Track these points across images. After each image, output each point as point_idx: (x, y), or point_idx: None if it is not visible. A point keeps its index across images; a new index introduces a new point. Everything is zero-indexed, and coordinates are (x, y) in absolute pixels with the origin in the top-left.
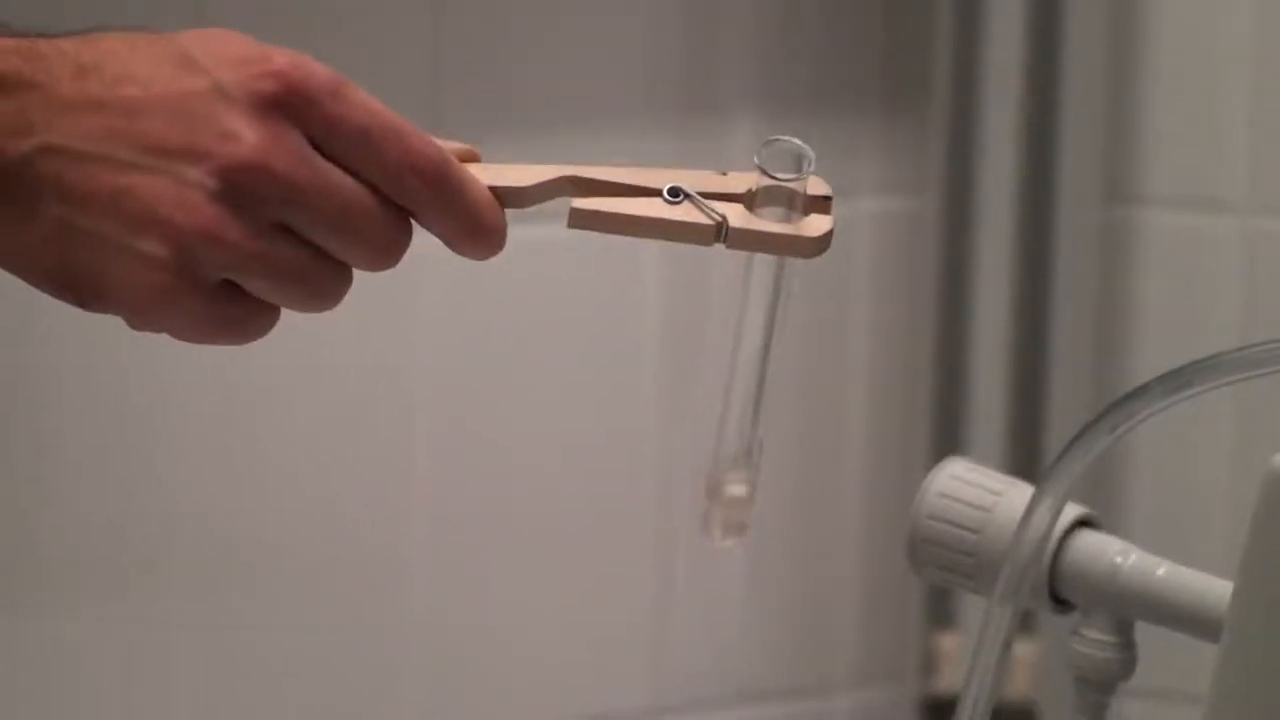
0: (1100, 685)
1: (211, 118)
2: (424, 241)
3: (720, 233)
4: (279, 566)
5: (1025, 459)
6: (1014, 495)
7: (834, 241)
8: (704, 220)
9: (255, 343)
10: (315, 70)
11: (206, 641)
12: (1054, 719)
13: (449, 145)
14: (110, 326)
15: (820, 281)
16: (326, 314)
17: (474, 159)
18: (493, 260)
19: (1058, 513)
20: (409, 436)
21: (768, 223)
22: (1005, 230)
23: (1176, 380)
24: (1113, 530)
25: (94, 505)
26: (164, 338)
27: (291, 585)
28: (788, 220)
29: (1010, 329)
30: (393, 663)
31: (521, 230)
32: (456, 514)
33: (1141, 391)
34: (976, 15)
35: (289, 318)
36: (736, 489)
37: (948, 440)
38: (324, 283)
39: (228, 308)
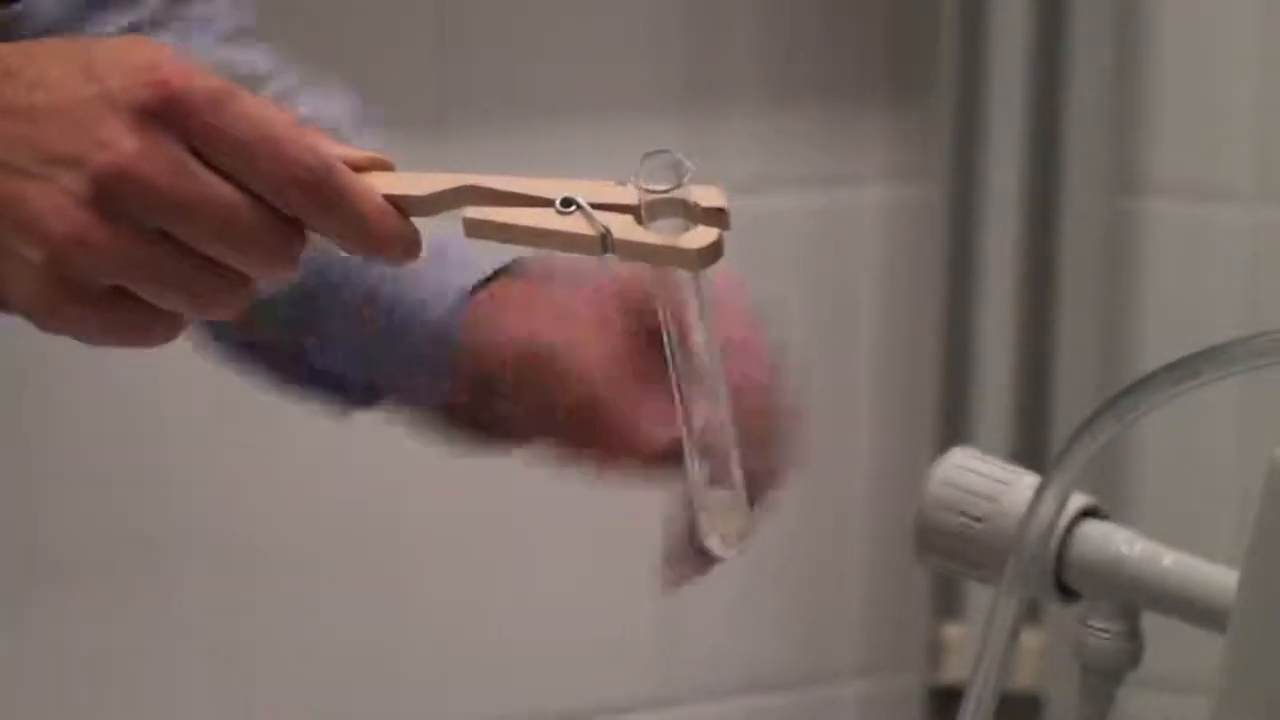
0: (1106, 675)
1: (94, 125)
2: (435, 228)
3: (606, 243)
4: (286, 561)
5: (1031, 448)
6: (1020, 485)
7: (839, 229)
8: (589, 232)
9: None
10: (199, 80)
11: (212, 634)
12: (1060, 708)
13: (352, 154)
14: None
15: (826, 269)
16: None
17: (383, 167)
18: (508, 251)
19: (1064, 502)
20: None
21: (650, 234)
22: (1011, 218)
23: (1183, 370)
24: (1119, 520)
25: (102, 500)
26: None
27: (299, 579)
28: (680, 231)
29: (1016, 317)
30: (401, 656)
31: None
32: (463, 504)
33: (1147, 381)
34: (983, 3)
35: None
36: (722, 501)
37: (954, 429)
38: (215, 290)
39: (120, 314)
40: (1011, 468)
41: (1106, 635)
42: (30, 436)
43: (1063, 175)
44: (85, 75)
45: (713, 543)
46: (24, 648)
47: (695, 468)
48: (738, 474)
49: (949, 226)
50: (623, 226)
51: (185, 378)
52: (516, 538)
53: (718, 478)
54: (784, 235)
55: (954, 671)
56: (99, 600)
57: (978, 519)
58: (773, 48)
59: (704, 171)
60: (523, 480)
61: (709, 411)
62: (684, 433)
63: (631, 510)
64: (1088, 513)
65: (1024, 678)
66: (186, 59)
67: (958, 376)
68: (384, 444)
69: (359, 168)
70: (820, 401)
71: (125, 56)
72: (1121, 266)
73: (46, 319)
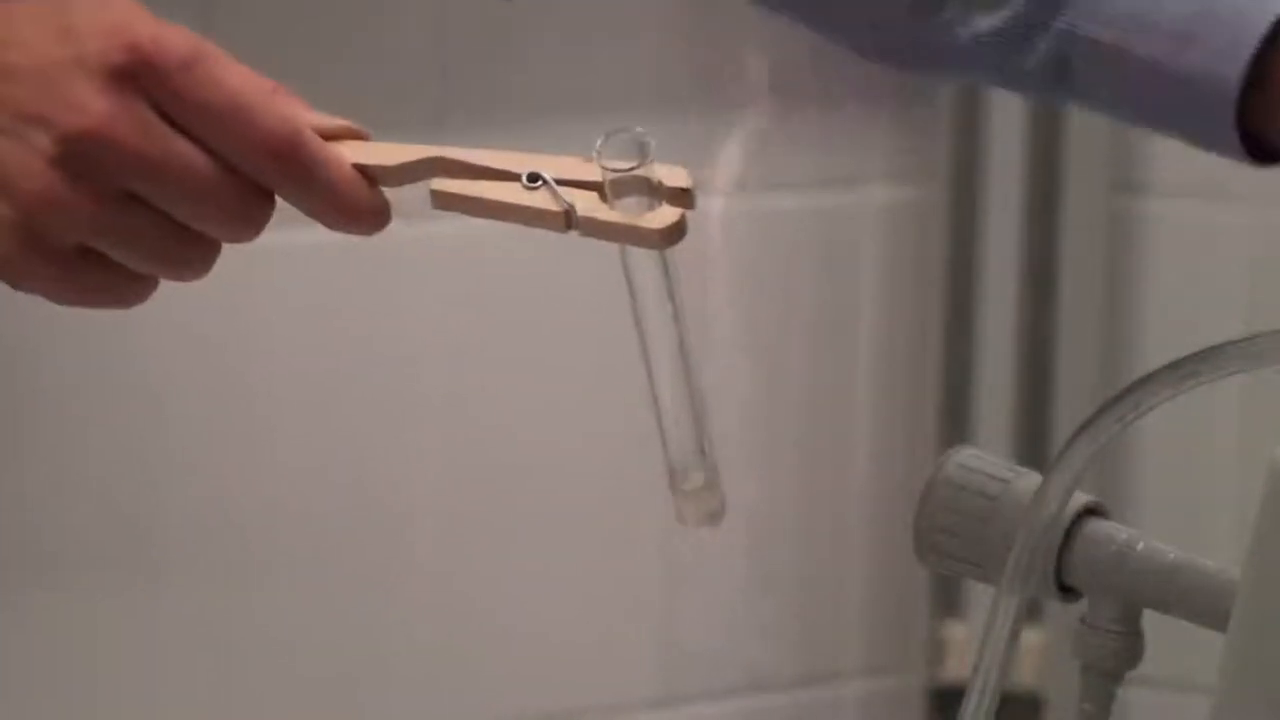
0: (1107, 674)
1: (65, 86)
2: (432, 225)
3: (570, 220)
4: (284, 558)
5: (1032, 448)
6: (1021, 484)
7: (841, 230)
8: (554, 208)
9: (258, 329)
10: (172, 43)
11: (209, 631)
12: (1060, 708)
13: (324, 122)
14: (115, 317)
15: (828, 270)
16: (336, 305)
17: (355, 136)
18: (504, 247)
19: (1065, 501)
20: (416, 426)
21: (614, 213)
22: (1013, 220)
23: (1183, 370)
24: (1120, 519)
25: (98, 494)
26: (172, 325)
27: (297, 575)
28: (645, 210)
29: (1017, 318)
30: (401, 655)
31: None
32: (463, 503)
33: (1148, 381)
34: None
35: (294, 310)
36: (695, 480)
37: (955, 429)
38: (184, 252)
39: (92, 274)
40: (1012, 466)
41: (1107, 634)
42: (25, 429)
43: (1063, 175)
44: (60, 36)
45: (687, 520)
46: (18, 640)
47: (665, 446)
48: (709, 451)
49: (950, 227)
50: (588, 204)
51: (183, 370)
52: (517, 537)
53: (688, 455)
54: (786, 236)
55: (954, 671)
56: (93, 593)
57: (979, 518)
58: (775, 49)
59: (705, 172)
60: (523, 480)
61: (678, 390)
62: (654, 411)
63: (631, 510)
64: (1089, 511)
65: (1024, 678)
66: (162, 21)
67: (958, 376)
68: (384, 441)
69: (331, 136)
70: (821, 402)
71: (101, 18)
72: (1121, 266)
73: (18, 278)
